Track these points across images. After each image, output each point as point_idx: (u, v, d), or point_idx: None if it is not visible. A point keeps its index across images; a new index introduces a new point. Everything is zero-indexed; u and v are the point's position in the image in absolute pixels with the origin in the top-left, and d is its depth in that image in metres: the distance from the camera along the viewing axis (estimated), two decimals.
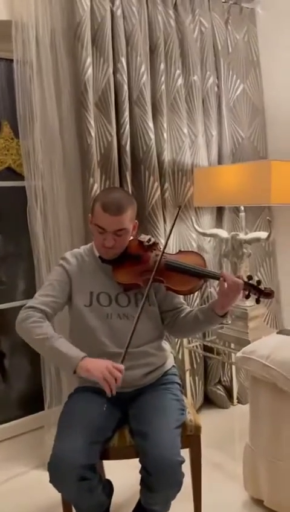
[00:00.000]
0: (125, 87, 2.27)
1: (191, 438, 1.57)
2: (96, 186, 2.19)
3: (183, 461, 1.39)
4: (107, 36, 2.20)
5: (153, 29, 2.37)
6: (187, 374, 2.45)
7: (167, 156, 2.43)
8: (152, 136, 2.33)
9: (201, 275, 1.54)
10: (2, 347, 2.59)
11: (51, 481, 1.35)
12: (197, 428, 1.59)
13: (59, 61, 2.15)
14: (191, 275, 1.54)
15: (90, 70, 2.17)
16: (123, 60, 2.26)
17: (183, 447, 1.52)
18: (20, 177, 2.26)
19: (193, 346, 2.50)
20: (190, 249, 2.46)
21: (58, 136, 2.17)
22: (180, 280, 1.54)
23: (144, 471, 1.40)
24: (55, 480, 1.35)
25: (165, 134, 2.41)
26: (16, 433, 2.39)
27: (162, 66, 2.40)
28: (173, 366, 1.73)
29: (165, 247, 1.58)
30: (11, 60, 2.08)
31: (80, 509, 1.50)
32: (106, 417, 1.50)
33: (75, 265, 1.62)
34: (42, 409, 2.26)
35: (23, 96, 2.10)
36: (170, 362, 1.72)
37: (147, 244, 1.61)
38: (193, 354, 2.52)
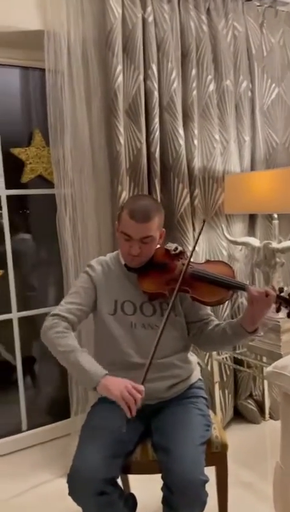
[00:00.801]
0: (156, 93, 2.25)
1: (217, 455, 1.51)
2: (124, 193, 2.18)
3: (207, 480, 1.33)
4: (138, 43, 2.19)
5: (185, 34, 2.35)
6: (216, 387, 2.37)
7: (197, 163, 2.39)
8: (182, 142, 2.30)
9: (229, 286, 1.48)
10: (33, 353, 2.61)
11: (69, 494, 1.32)
12: (224, 446, 1.52)
13: (90, 69, 2.16)
14: (218, 285, 1.49)
15: (120, 78, 2.16)
16: (154, 67, 2.24)
17: (208, 465, 1.47)
18: (51, 184, 2.28)
19: (223, 358, 2.42)
20: (219, 258, 2.39)
21: (88, 144, 2.17)
22: (207, 290, 1.48)
23: (166, 488, 1.35)
24: (74, 493, 1.32)
25: (195, 141, 2.37)
26: (44, 440, 2.39)
27: (194, 71, 2.37)
28: (200, 379, 1.68)
29: (191, 256, 1.53)
30: (44, 70, 2.10)
31: None
32: (128, 430, 1.46)
33: (101, 273, 1.60)
34: (69, 416, 2.25)
35: (54, 105, 2.12)
36: (196, 375, 1.66)
37: (173, 252, 1.57)
38: (222, 366, 2.45)
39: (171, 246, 1.59)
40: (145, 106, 2.24)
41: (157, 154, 2.27)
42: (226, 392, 2.48)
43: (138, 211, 1.48)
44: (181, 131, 2.31)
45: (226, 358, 2.44)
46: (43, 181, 2.37)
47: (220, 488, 1.53)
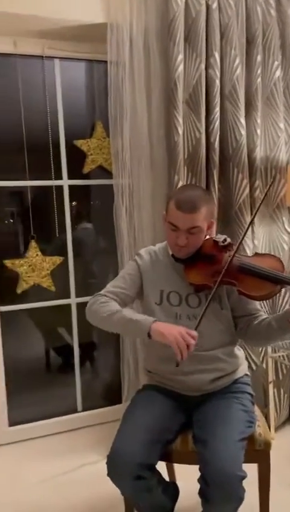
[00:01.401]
0: (217, 82, 2.20)
1: (260, 453, 1.47)
2: (181, 184, 2.17)
3: (244, 476, 1.31)
4: (201, 31, 2.16)
5: (251, 20, 2.27)
6: (271, 386, 2.30)
7: (259, 153, 2.31)
8: (243, 132, 2.23)
9: (277, 280, 1.43)
10: (94, 339, 2.71)
11: (108, 475, 1.36)
12: (267, 444, 1.48)
13: (151, 60, 2.17)
14: (266, 279, 1.43)
15: (181, 67, 2.14)
16: (216, 55, 2.19)
17: (250, 462, 1.44)
18: (111, 175, 2.32)
19: (279, 356, 2.34)
20: (280, 253, 2.30)
21: (147, 134, 2.19)
22: (254, 284, 1.44)
23: (202, 480, 1.34)
24: (112, 475, 1.36)
25: (258, 130, 2.29)
26: (96, 422, 2.48)
27: (259, 58, 2.28)
28: (246, 374, 1.64)
29: (237, 248, 1.49)
30: (106, 62, 2.14)
31: (139, 507, 1.50)
32: (169, 419, 1.48)
33: (148, 262, 1.61)
34: (121, 402, 2.31)
35: (115, 97, 2.16)
36: (243, 370, 1.62)
37: (221, 244, 1.54)
38: (278, 364, 2.37)
39: (220, 238, 1.56)
40: (206, 95, 2.21)
41: (216, 144, 2.22)
42: (282, 391, 2.39)
43: (185, 201, 1.47)
44: (243, 120, 2.24)
45: (282, 356, 2.35)
46: (104, 171, 2.42)
47: (262, 486, 1.49)
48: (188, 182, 2.24)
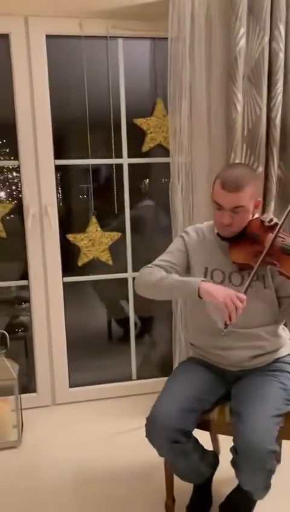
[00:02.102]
0: (281, 55, 2.13)
1: None
2: (237, 161, 2.15)
3: (275, 450, 1.34)
4: (266, 2, 2.09)
5: None
6: None
7: None
8: None
9: None
10: (150, 312, 2.82)
11: (146, 436, 1.46)
12: None
13: (213, 35, 2.15)
14: None
15: (242, 41, 2.10)
16: (281, 27, 2.12)
17: (288, 439, 1.47)
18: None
19: None
20: None
21: (205, 112, 2.19)
22: None
23: (234, 450, 1.40)
24: (150, 437, 1.45)
25: None
26: (148, 391, 2.59)
27: None
28: (289, 354, 1.64)
29: (279, 229, 1.47)
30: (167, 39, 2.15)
31: (177, 470, 1.59)
32: (206, 390, 1.54)
33: (195, 239, 1.65)
34: None
35: (174, 74, 2.18)
36: (286, 350, 1.63)
37: (267, 224, 1.53)
38: None
39: (266, 217, 1.55)
40: (269, 70, 2.15)
41: (277, 121, 2.17)
42: None
43: (229, 180, 1.48)
44: None
45: None
46: (164, 150, 2.46)
47: None
48: (247, 160, 2.22)
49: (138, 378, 2.68)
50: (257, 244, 1.52)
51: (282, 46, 2.12)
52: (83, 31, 2.30)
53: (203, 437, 1.60)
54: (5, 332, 2.23)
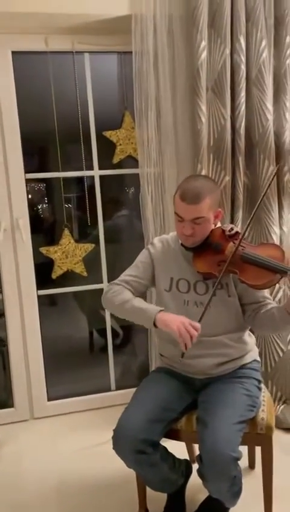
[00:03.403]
0: (243, 67, 2.18)
1: (262, 436, 1.51)
2: (204, 171, 2.19)
3: (237, 457, 1.36)
4: (226, 16, 2.14)
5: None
6: None
7: (288, 137, 2.26)
8: (270, 117, 2.20)
9: (275, 270, 1.44)
10: (127, 322, 2.82)
11: (113, 448, 1.47)
12: (268, 428, 1.51)
13: (175, 48, 2.20)
14: (265, 268, 1.45)
15: (204, 54, 2.15)
16: (241, 39, 2.16)
17: (253, 444, 1.49)
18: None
19: None
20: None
21: (172, 123, 2.23)
22: (254, 273, 1.46)
23: (199, 458, 1.41)
24: (116, 447, 1.46)
25: (287, 114, 2.25)
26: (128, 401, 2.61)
27: (288, 39, 2.22)
28: (255, 360, 1.67)
29: (241, 238, 1.51)
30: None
31: (146, 481, 1.60)
32: (173, 399, 1.56)
33: (160, 250, 1.68)
34: None
35: (139, 87, 2.21)
36: (251, 356, 1.65)
37: (228, 233, 1.57)
38: None
39: (227, 227, 1.58)
40: (231, 81, 2.20)
41: (242, 130, 2.21)
42: None
43: (188, 193, 1.51)
44: (269, 105, 2.21)
45: None
46: (133, 161, 2.49)
47: (265, 469, 1.53)
48: (214, 169, 2.25)
49: (117, 388, 2.68)
50: (219, 253, 1.55)
51: (243, 58, 2.17)
52: (49, 47, 2.33)
53: (179, 446, 1.61)
54: None
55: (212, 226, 1.59)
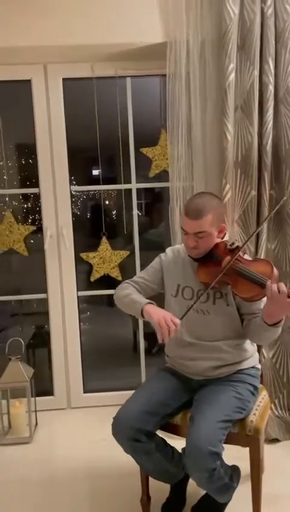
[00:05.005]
0: (271, 87, 2.27)
1: (250, 438, 1.61)
2: (228, 187, 2.31)
3: (216, 452, 1.47)
4: (255, 39, 2.25)
5: None
6: None
7: None
8: None
9: (257, 282, 1.53)
10: None
11: (112, 434, 1.65)
12: (257, 431, 1.60)
13: (206, 71, 2.35)
14: (253, 282, 1.55)
15: (232, 76, 2.27)
16: (270, 61, 2.26)
17: (241, 445, 1.59)
18: None
19: None
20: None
21: (200, 141, 2.38)
22: (243, 286, 1.57)
23: (183, 450, 1.55)
24: (114, 434, 1.63)
25: None
26: None
27: None
28: (253, 367, 1.76)
29: (237, 252, 1.62)
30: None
31: (144, 469, 1.76)
32: (170, 396, 1.70)
33: (171, 258, 1.84)
34: None
35: (172, 108, 2.39)
36: (250, 363, 1.75)
37: (229, 247, 1.69)
38: None
39: (229, 241, 1.70)
40: (259, 100, 2.30)
41: (268, 147, 2.30)
42: None
43: (191, 209, 1.66)
44: None
45: None
46: (167, 175, 2.66)
47: (253, 469, 1.62)
48: (241, 185, 2.36)
49: None
50: (218, 265, 1.67)
51: (271, 78, 2.27)
52: (94, 73, 2.59)
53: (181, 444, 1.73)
54: (20, 339, 2.53)
55: (217, 240, 1.72)
